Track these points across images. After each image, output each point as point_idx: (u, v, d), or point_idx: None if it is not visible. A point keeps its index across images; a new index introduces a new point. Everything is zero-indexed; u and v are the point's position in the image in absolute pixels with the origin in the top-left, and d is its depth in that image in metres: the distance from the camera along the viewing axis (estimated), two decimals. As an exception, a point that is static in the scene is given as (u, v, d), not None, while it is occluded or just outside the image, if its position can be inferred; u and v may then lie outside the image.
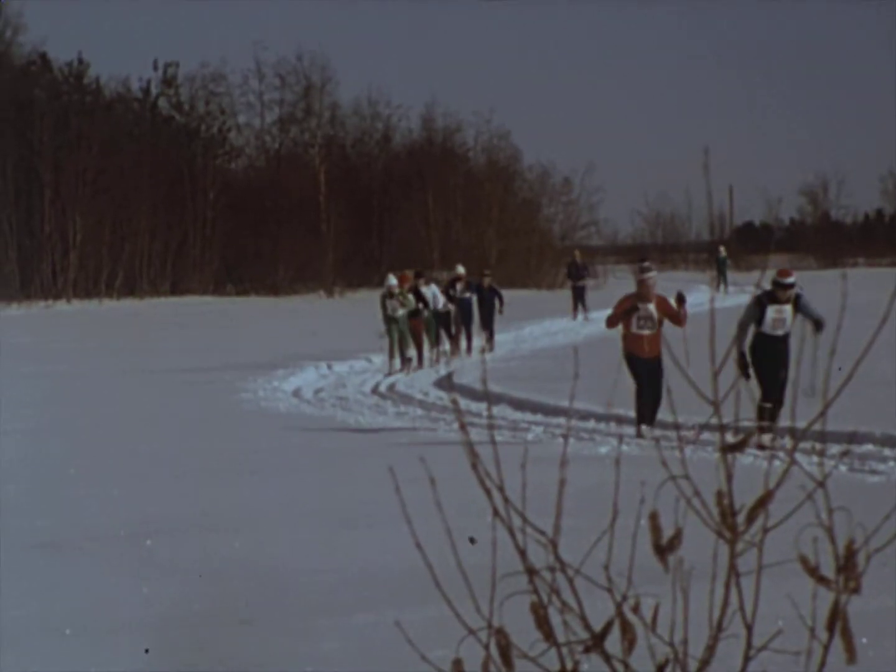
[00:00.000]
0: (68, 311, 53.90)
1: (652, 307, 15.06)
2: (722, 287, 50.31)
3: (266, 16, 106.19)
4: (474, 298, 28.28)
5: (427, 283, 26.83)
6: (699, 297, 49.42)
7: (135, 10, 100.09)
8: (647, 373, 14.66)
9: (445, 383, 21.84)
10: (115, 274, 59.76)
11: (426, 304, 25.59)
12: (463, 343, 27.81)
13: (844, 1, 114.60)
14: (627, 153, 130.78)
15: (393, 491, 2.76)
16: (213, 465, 13.58)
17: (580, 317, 38.40)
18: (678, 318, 14.87)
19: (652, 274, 15.27)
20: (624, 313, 15.11)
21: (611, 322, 15.37)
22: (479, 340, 28.32)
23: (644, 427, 14.78)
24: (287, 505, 11.25)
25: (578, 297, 39.14)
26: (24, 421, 17.47)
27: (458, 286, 27.86)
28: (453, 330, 27.47)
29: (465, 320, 27.81)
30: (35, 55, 62.10)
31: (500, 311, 28.21)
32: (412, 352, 24.88)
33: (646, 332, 14.99)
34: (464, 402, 18.57)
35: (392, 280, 24.81)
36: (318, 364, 24.52)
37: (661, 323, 15.03)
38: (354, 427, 16.94)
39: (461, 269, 29.28)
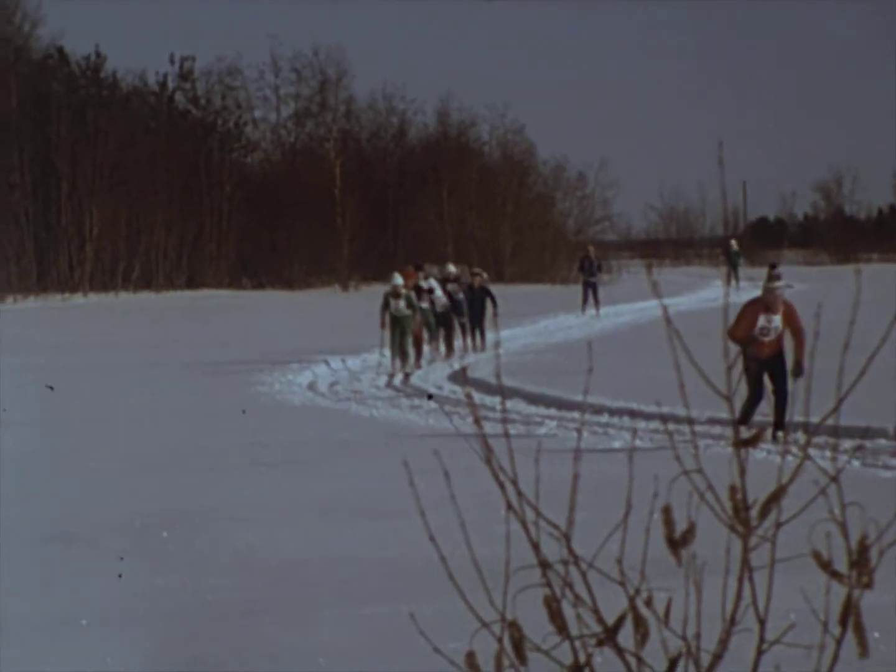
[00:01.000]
0: (85, 303, 54.01)
1: (778, 319, 13.63)
2: (734, 282, 49.97)
3: (282, 10, 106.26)
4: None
5: (426, 277, 25.86)
6: (713, 293, 49.50)
7: (151, 4, 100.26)
8: (770, 371, 13.30)
9: (459, 377, 21.84)
10: (131, 267, 59.84)
11: (431, 301, 24.92)
12: (458, 342, 26.70)
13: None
14: (641, 148, 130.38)
15: (407, 484, 2.77)
16: (228, 457, 13.61)
17: (590, 312, 37.59)
18: (800, 332, 13.42)
19: (782, 283, 13.99)
20: (749, 326, 13.46)
21: (736, 335, 12.97)
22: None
23: (743, 428, 13.76)
24: (301, 497, 11.27)
25: (590, 292, 38.30)
26: (42, 413, 17.53)
27: (451, 286, 26.71)
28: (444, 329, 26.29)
29: (460, 319, 26.76)
30: (53, 49, 62.22)
31: (494, 315, 26.78)
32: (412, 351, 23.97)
33: (766, 339, 13.60)
34: (478, 396, 18.57)
35: (398, 279, 23.84)
36: (334, 357, 24.53)
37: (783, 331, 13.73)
38: (369, 420, 16.95)
39: (452, 269, 28.09)
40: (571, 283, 58.68)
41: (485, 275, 29.17)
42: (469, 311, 26.86)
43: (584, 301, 38.01)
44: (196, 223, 61.93)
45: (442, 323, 25.99)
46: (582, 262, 39.68)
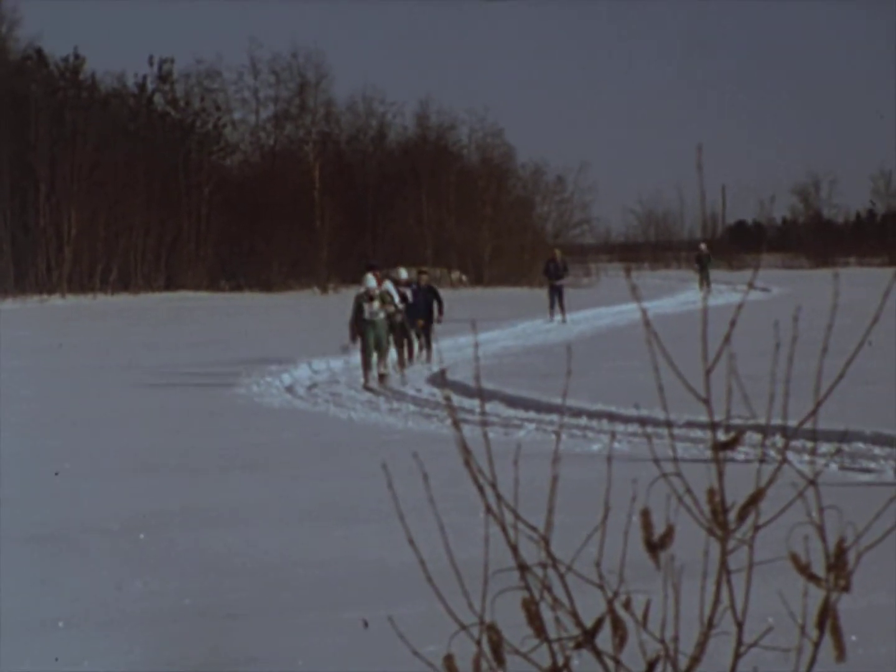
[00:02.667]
0: (63, 305, 53.87)
1: None
2: (705, 285, 49.69)
3: (261, 12, 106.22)
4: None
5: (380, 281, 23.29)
6: (692, 296, 49.61)
7: (130, 6, 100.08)
8: None
9: (438, 380, 21.83)
10: (109, 269, 59.74)
11: (396, 306, 22.79)
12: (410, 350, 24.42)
13: (837, 0, 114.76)
14: (620, 152, 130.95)
15: (386, 486, 2.77)
16: (206, 460, 13.59)
17: (557, 318, 36.70)
18: None
19: None
20: None
21: None
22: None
23: None
24: (280, 500, 11.26)
25: (556, 296, 37.31)
26: (19, 415, 17.46)
27: (402, 289, 24.25)
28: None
29: (413, 327, 24.43)
30: (31, 50, 62.15)
31: (439, 320, 24.90)
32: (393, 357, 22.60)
33: None
34: (457, 399, 18.56)
35: (371, 282, 22.19)
36: (312, 360, 24.51)
37: None
38: (347, 423, 16.95)
39: (404, 273, 25.63)
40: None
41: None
42: (416, 315, 24.66)
43: (552, 306, 37.15)
44: (174, 225, 61.87)
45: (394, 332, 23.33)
46: (547, 266, 39.17)
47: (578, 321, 37.53)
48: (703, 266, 51.23)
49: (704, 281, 50.16)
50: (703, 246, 53.96)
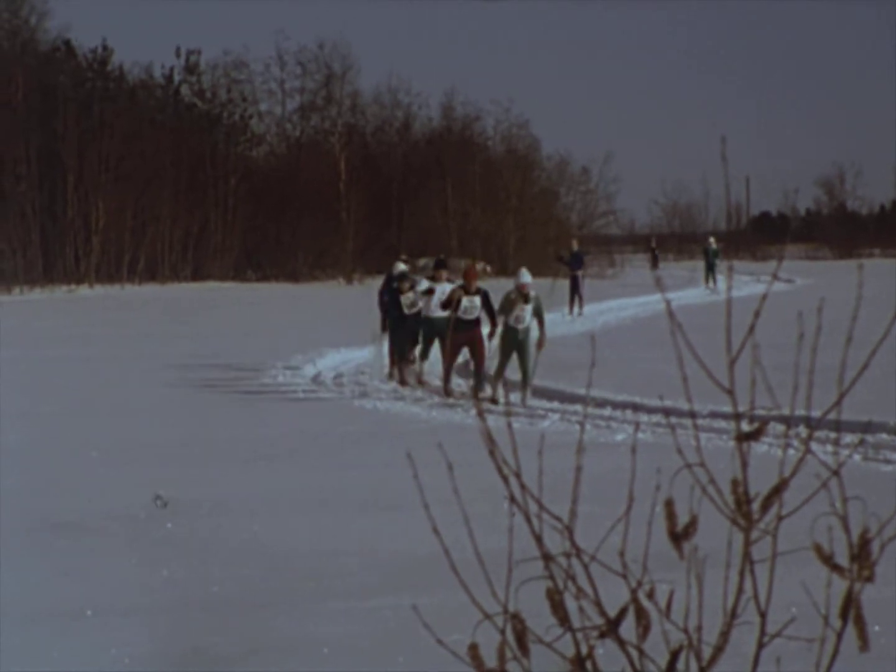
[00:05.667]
0: (90, 295, 54.03)
1: None
2: (711, 281, 49.25)
3: (288, 4, 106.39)
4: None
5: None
6: (718, 286, 49.42)
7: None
8: None
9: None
10: (136, 259, 59.91)
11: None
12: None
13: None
14: (645, 143, 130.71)
15: (411, 476, 2.78)
16: (231, 449, 13.63)
17: (576, 311, 35.98)
18: None
19: None
20: None
21: None
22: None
23: None
24: (305, 489, 11.29)
25: (574, 288, 36.44)
26: (47, 404, 17.55)
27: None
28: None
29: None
30: (59, 42, 62.31)
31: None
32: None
33: None
34: (482, 390, 18.57)
35: (526, 276, 18.93)
36: (337, 350, 24.54)
37: None
38: (372, 412, 16.97)
39: (402, 266, 22.07)
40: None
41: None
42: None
43: (572, 299, 36.50)
44: (201, 216, 61.99)
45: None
46: (562, 256, 38.86)
47: (603, 311, 37.45)
48: (709, 261, 50.65)
49: (711, 276, 49.63)
50: (711, 240, 53.36)
